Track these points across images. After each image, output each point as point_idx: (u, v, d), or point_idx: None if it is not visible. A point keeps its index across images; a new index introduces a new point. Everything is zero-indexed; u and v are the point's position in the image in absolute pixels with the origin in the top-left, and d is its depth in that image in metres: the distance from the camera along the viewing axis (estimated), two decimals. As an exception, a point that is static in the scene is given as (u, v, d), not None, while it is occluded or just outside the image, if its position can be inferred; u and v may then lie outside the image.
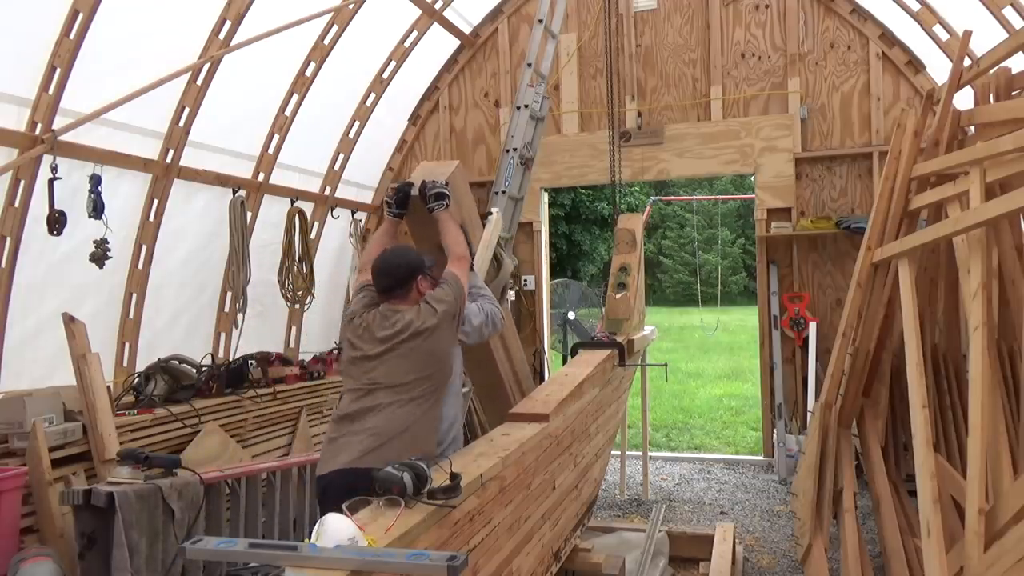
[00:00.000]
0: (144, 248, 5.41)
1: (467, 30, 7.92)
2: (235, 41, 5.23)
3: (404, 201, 3.62)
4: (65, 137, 4.30)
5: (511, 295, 7.28)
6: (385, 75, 7.38)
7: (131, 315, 5.39)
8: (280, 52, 5.75)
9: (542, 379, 6.87)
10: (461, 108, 8.15)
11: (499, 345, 4.22)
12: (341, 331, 3.14)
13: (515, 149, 4.62)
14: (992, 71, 4.44)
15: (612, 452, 5.56)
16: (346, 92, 7.16)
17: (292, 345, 7.12)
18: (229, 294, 6.17)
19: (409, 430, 2.99)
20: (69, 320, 4.29)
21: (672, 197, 33.40)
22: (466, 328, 3.25)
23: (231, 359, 5.77)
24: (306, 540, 1.90)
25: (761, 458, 7.44)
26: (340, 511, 2.09)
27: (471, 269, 3.51)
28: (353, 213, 7.83)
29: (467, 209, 3.87)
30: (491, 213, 4.27)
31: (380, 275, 3.21)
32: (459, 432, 3.46)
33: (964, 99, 4.72)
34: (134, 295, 5.40)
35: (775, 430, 7.00)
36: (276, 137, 6.41)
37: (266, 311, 6.60)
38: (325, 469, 3.00)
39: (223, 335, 6.30)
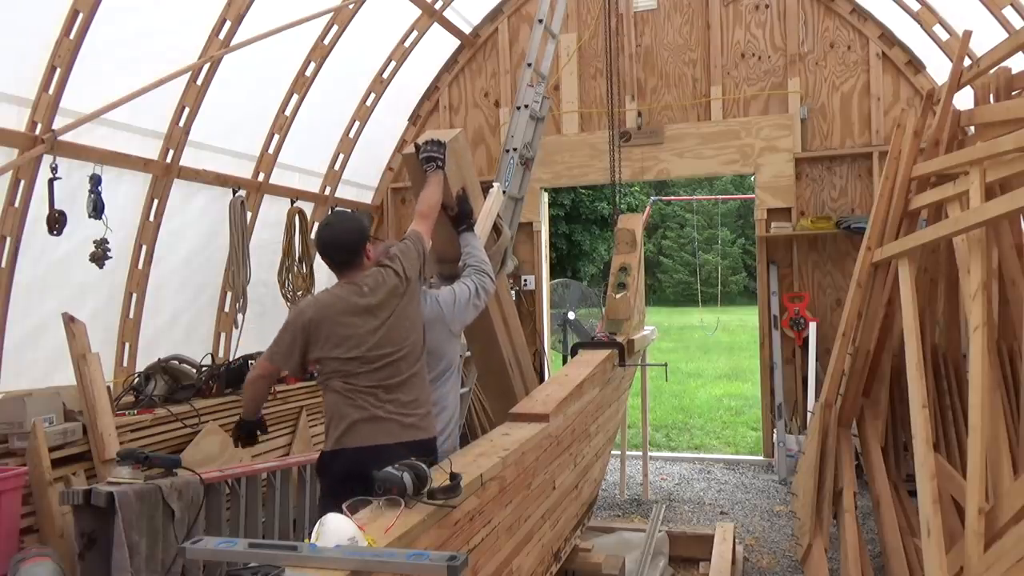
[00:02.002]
0: (144, 248, 5.41)
1: (467, 30, 7.92)
2: (235, 41, 5.23)
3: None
4: (65, 137, 4.30)
5: (512, 294, 7.28)
6: (385, 75, 7.38)
7: (131, 315, 5.39)
8: (280, 52, 5.75)
9: (542, 379, 6.87)
10: (461, 108, 8.15)
11: (499, 317, 4.27)
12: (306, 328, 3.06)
13: (515, 149, 4.62)
14: (992, 71, 4.44)
15: (612, 452, 5.56)
16: (346, 92, 7.16)
17: (292, 345, 7.11)
18: (229, 294, 6.17)
19: (430, 401, 3.12)
20: (69, 320, 4.29)
21: (672, 197, 33.41)
22: (457, 309, 3.37)
23: (231, 359, 5.76)
24: (306, 540, 1.90)
25: (761, 458, 7.44)
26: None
27: (472, 231, 3.62)
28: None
29: (469, 177, 3.90)
30: (492, 186, 4.32)
31: (334, 250, 3.15)
32: (456, 427, 3.48)
33: (964, 99, 4.72)
34: (134, 295, 5.40)
35: (775, 430, 7.00)
36: (276, 137, 6.41)
37: (266, 311, 6.60)
38: (360, 443, 2.95)
39: (223, 335, 6.30)
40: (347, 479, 2.71)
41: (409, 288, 3.14)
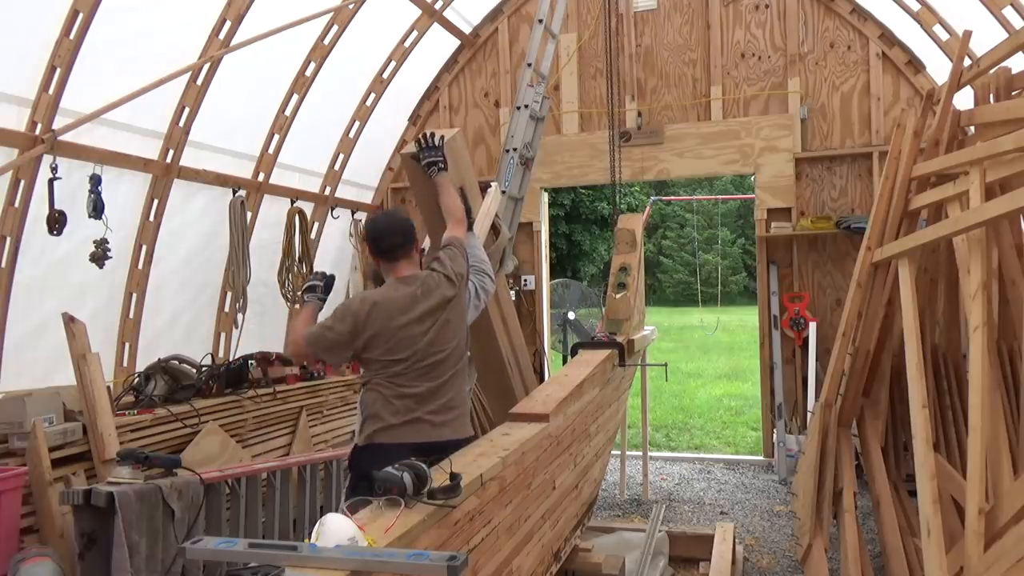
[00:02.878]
0: (144, 248, 5.41)
1: (467, 30, 7.92)
2: (235, 41, 5.23)
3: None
4: (65, 137, 4.30)
5: (512, 294, 7.28)
6: (385, 75, 7.38)
7: (131, 315, 5.39)
8: (280, 52, 5.75)
9: (542, 379, 6.87)
10: (461, 108, 8.15)
11: (498, 317, 4.28)
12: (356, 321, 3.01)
13: (515, 149, 4.62)
14: (992, 71, 4.44)
15: (612, 452, 5.56)
16: (346, 92, 7.16)
17: (292, 345, 7.11)
18: (229, 294, 6.17)
19: (466, 401, 3.14)
20: (69, 320, 4.29)
21: (672, 197, 33.41)
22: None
23: (231, 359, 5.76)
24: (306, 540, 1.90)
25: (761, 458, 7.44)
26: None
27: (471, 231, 3.62)
28: (353, 213, 7.83)
29: (467, 176, 3.91)
30: (491, 186, 4.33)
31: (389, 234, 3.13)
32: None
33: (964, 99, 4.72)
34: (134, 295, 5.40)
35: (775, 430, 7.00)
36: (276, 137, 6.41)
37: (266, 311, 6.60)
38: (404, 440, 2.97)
39: (223, 335, 6.30)
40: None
41: (459, 292, 3.17)
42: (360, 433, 3.10)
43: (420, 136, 3.62)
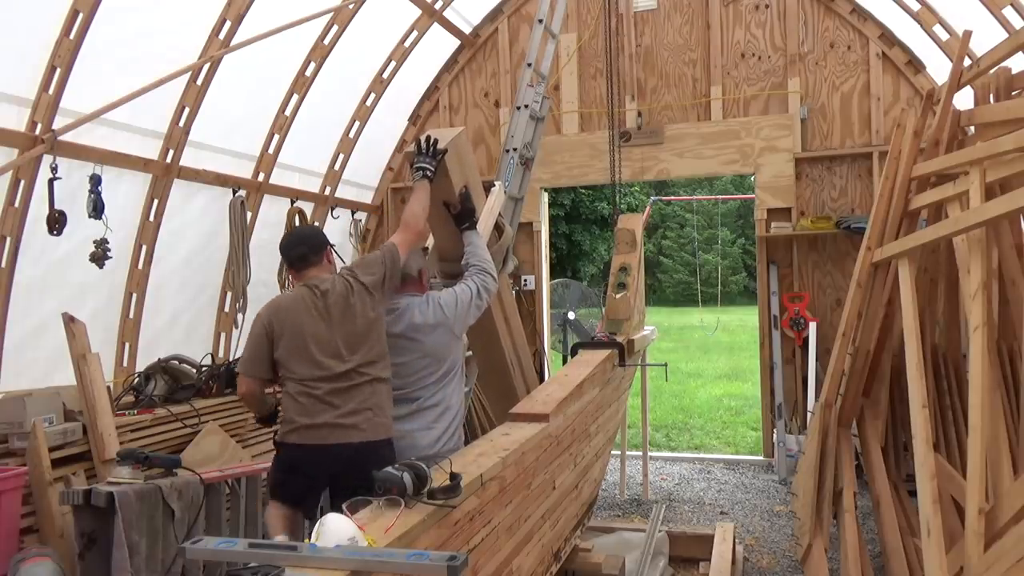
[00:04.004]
0: (144, 248, 5.41)
1: (467, 30, 7.92)
2: (235, 41, 5.23)
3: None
4: (65, 137, 4.30)
5: (512, 294, 7.28)
6: (385, 75, 7.38)
7: (131, 315, 5.39)
8: (280, 52, 5.75)
9: (542, 379, 6.87)
10: (461, 108, 8.15)
11: (500, 316, 4.29)
12: None
13: (515, 149, 4.62)
14: (992, 71, 4.44)
15: (612, 452, 5.56)
16: (346, 92, 7.16)
17: (292, 345, 7.11)
18: (229, 294, 6.17)
19: (382, 405, 3.19)
20: (69, 320, 4.29)
21: (672, 197, 33.41)
22: (459, 311, 3.38)
23: (231, 359, 5.76)
24: (306, 540, 1.90)
25: (761, 458, 7.44)
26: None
27: (474, 230, 3.64)
28: (353, 213, 7.83)
29: (471, 175, 3.90)
30: (494, 185, 4.32)
31: (295, 244, 3.35)
32: (460, 427, 3.48)
33: (964, 99, 4.72)
34: (134, 295, 5.40)
35: (775, 430, 7.00)
36: (276, 137, 6.41)
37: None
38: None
39: (223, 335, 6.30)
40: (287, 471, 3.19)
41: (361, 295, 3.19)
42: (279, 431, 3.27)
43: (420, 138, 3.58)
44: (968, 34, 4.62)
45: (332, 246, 3.45)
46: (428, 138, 3.54)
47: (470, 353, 4.94)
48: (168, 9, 4.88)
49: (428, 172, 3.48)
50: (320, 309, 3.16)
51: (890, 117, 6.76)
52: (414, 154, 3.56)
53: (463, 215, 3.70)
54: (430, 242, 4.00)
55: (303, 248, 3.31)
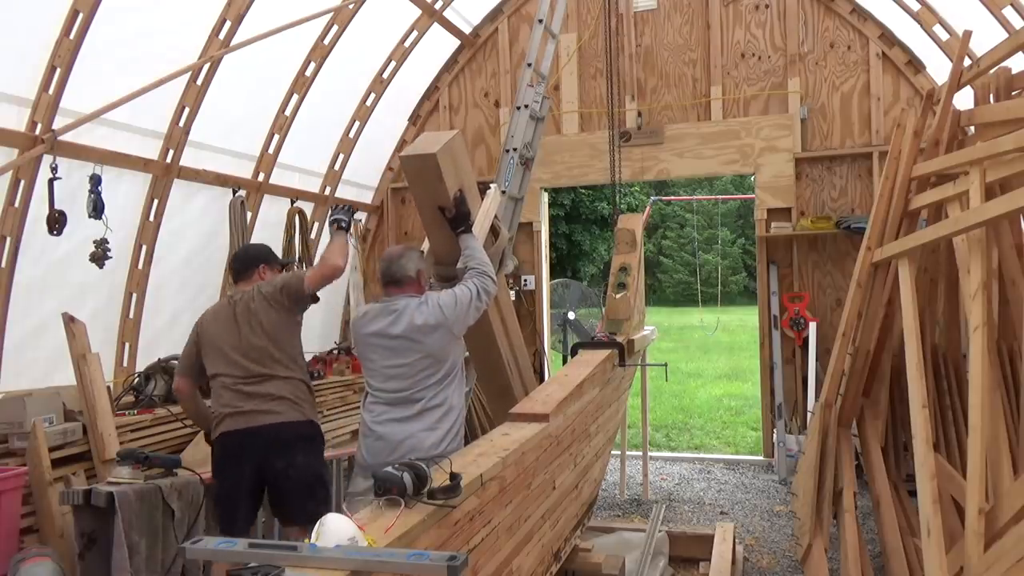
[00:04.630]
0: (144, 248, 5.41)
1: (467, 30, 7.92)
2: (235, 41, 5.23)
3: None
4: (65, 137, 4.30)
5: (512, 294, 7.29)
6: (385, 75, 7.38)
7: (131, 315, 5.39)
8: (280, 52, 5.75)
9: (542, 379, 6.87)
10: (461, 108, 8.15)
11: (497, 318, 4.28)
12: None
13: (515, 149, 4.62)
14: (992, 71, 4.44)
15: (612, 452, 5.56)
16: (346, 92, 7.16)
17: (292, 345, 7.11)
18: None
19: (299, 392, 3.68)
20: (69, 320, 4.29)
21: (672, 197, 33.42)
22: (459, 312, 3.43)
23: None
24: (306, 540, 1.90)
25: (761, 458, 7.44)
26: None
27: (470, 233, 3.76)
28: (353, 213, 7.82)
29: (466, 178, 3.90)
30: (490, 188, 4.32)
31: (235, 261, 4.01)
32: (461, 427, 3.48)
33: (964, 99, 4.72)
34: (134, 295, 5.40)
35: (775, 430, 7.00)
36: (276, 137, 6.41)
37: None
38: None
39: (223, 335, 6.29)
40: (223, 456, 3.60)
41: (260, 302, 3.64)
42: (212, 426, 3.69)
43: (336, 205, 4.06)
44: (968, 34, 4.62)
45: (287, 264, 4.01)
46: (338, 207, 4.00)
47: (467, 353, 4.94)
48: (168, 9, 4.88)
49: (344, 223, 3.88)
50: (231, 317, 3.66)
51: (890, 117, 6.76)
52: (331, 209, 4.07)
53: (458, 219, 3.68)
54: (425, 245, 3.99)
55: (237, 264, 3.94)
